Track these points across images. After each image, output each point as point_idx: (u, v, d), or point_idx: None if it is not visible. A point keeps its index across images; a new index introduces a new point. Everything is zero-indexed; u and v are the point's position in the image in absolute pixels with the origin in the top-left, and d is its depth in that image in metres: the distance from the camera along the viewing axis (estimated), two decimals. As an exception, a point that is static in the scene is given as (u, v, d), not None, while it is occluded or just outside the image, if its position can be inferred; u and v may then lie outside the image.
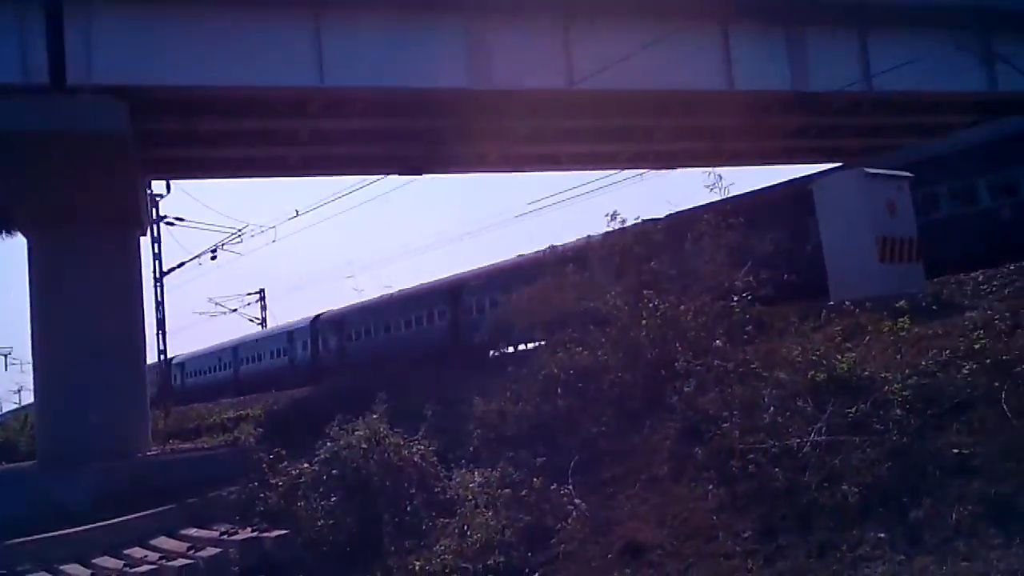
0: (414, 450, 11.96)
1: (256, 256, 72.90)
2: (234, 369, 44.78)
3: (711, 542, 8.25)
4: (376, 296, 35.83)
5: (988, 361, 8.15)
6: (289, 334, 40.36)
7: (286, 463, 13.80)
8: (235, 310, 55.15)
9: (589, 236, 15.46)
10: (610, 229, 14.89)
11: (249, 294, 55.91)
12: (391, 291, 34.36)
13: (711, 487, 8.92)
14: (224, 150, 26.14)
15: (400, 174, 29.78)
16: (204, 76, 19.86)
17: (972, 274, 12.81)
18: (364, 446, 11.97)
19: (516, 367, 13.01)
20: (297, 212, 58.03)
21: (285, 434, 16.61)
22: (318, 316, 38.28)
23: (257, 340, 45.19)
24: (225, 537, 13.36)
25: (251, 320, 55.69)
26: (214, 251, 37.57)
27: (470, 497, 10.64)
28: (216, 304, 54.67)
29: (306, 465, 12.88)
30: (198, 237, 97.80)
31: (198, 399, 38.84)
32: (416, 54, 21.32)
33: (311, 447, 13.14)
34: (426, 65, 21.51)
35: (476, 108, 23.45)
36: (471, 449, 12.07)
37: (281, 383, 34.51)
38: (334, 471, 12.09)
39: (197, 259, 37.85)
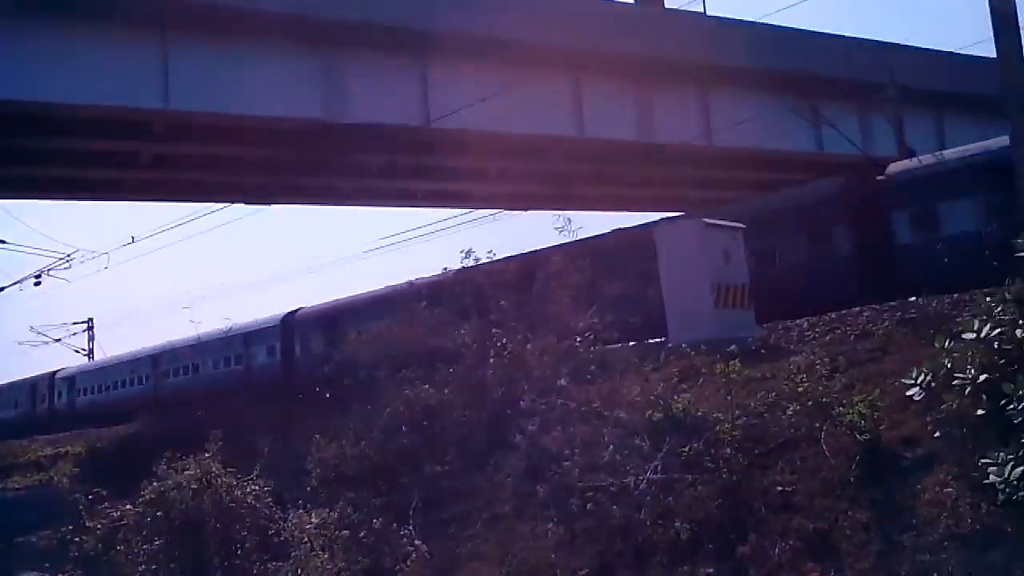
0: (248, 490, 11.43)
1: (85, 284, 68.40)
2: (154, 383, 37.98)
3: (549, 580, 8.27)
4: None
5: (810, 403, 8.62)
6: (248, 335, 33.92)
7: (106, 504, 12.86)
8: (59, 340, 51.49)
9: (444, 270, 15.45)
10: (462, 267, 14.92)
11: (75, 323, 52.28)
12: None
13: (551, 525, 8.98)
14: (55, 169, 24.64)
15: (247, 203, 28.97)
16: (32, 91, 18.70)
17: (797, 321, 13.59)
18: (194, 486, 11.33)
19: (360, 404, 12.73)
20: (133, 239, 55.07)
21: (108, 473, 15.55)
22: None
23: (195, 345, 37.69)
24: (34, 586, 12.30)
25: (77, 351, 52.11)
26: (38, 277, 35.08)
27: (306, 539, 10.25)
28: (39, 333, 50.92)
29: (129, 507, 12.04)
30: (22, 261, 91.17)
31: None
32: (268, 83, 20.87)
33: (136, 487, 12.32)
34: (280, 94, 21.10)
35: (330, 140, 23.18)
36: (308, 489, 11.66)
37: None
38: (159, 512, 11.37)
39: (18, 284, 35.30)
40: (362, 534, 9.99)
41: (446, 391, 12.09)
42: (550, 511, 9.20)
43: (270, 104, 21.16)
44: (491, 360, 11.86)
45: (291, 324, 29.25)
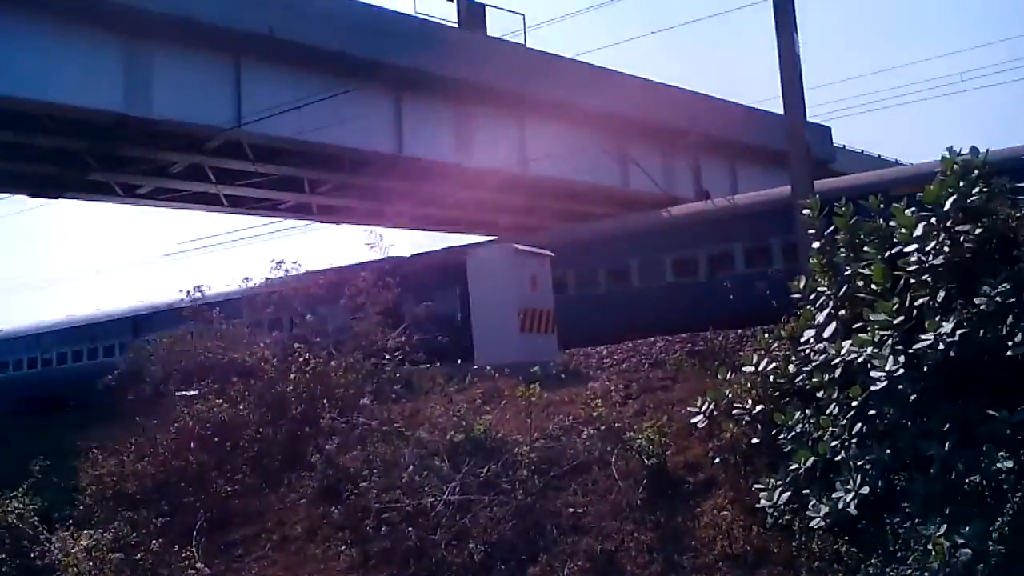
0: (10, 508, 10.36)
1: None
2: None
3: (339, 604, 8.06)
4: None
5: (603, 427, 8.95)
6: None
7: None
8: None
9: (246, 280, 14.84)
10: (267, 279, 14.41)
11: None
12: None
13: (344, 547, 8.76)
14: None
15: (31, 196, 26.69)
16: None
17: (598, 348, 14.15)
18: (-56, 504, 10.16)
19: (145, 418, 11.93)
20: None
21: None
22: None
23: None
24: None
25: None
26: None
27: (72, 563, 9.42)
28: None
29: None
30: None
31: None
32: (66, 68, 19.37)
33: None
34: (75, 81, 19.62)
35: (130, 135, 21.80)
36: (82, 508, 10.76)
37: None
38: (-100, 534, 10.09)
39: None
40: (138, 556, 9.31)
41: (241, 407, 11.57)
42: (344, 533, 8.98)
43: (61, 90, 19.61)
44: (292, 376, 11.48)
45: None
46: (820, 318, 7.53)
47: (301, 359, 11.58)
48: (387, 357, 12.47)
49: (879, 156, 38.43)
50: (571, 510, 8.03)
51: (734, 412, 7.75)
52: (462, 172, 26.21)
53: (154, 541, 9.43)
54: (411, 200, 29.11)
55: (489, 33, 26.50)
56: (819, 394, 6.93)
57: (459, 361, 14.16)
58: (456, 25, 25.89)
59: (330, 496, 9.59)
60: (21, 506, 10.47)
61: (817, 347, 7.30)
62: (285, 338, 12.75)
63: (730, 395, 7.91)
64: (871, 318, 6.67)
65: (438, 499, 8.69)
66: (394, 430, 10.25)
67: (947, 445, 5.77)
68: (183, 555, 9.32)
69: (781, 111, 15.49)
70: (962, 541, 5.33)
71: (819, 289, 7.74)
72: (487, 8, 26.43)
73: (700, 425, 8.09)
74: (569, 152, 25.92)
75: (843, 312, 7.37)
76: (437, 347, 13.61)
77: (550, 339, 14.04)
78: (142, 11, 19.52)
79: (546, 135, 26.67)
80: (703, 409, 8.05)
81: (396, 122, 24.53)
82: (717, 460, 7.72)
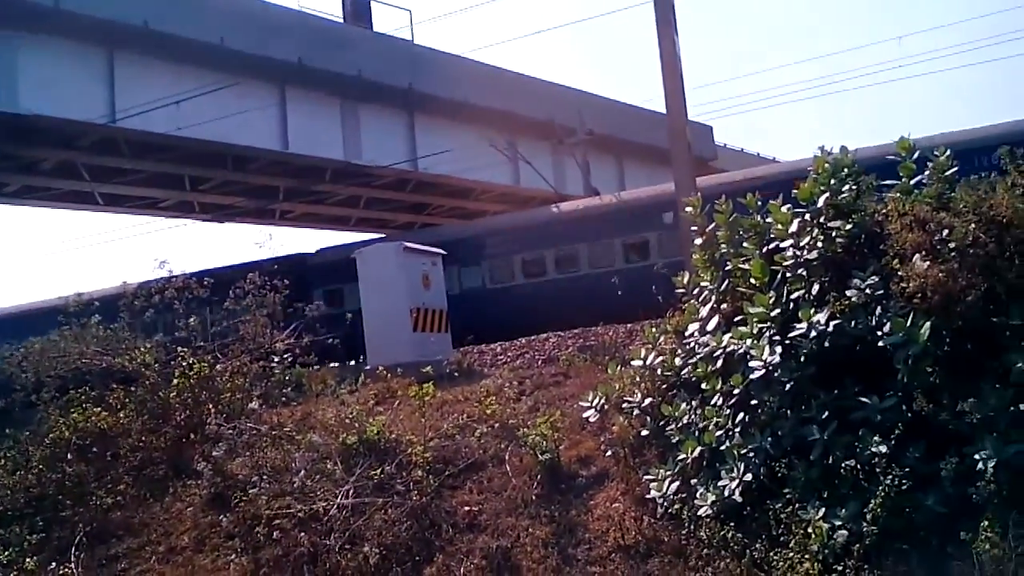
0: None
1: None
2: None
3: (230, 615, 7.84)
4: None
5: (497, 425, 9.01)
6: None
7: None
8: None
9: (124, 283, 14.14)
10: (147, 280, 13.83)
11: None
12: None
13: (234, 556, 8.52)
14: None
15: None
16: None
17: (492, 345, 14.21)
18: None
19: (16, 429, 11.30)
20: None
21: None
22: None
23: None
24: None
25: None
26: None
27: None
28: None
29: None
30: None
31: None
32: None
33: None
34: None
35: (-7, 130, 20.57)
36: (-53, 527, 10.10)
37: None
38: None
39: None
40: (12, 575, 8.82)
41: (122, 415, 11.09)
42: (234, 541, 8.74)
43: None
44: (175, 381, 11.07)
45: None
46: (703, 312, 7.78)
47: (185, 364, 11.17)
48: (276, 359, 12.17)
49: (758, 154, 40.02)
50: (466, 508, 8.05)
51: (624, 405, 7.93)
52: (351, 169, 25.86)
53: (28, 559, 8.95)
54: (299, 198, 28.55)
55: (376, 28, 26.25)
56: (704, 385, 7.15)
57: (351, 362, 13.98)
58: (341, 19, 25.53)
59: (218, 504, 9.32)
60: None
61: (701, 340, 7.53)
62: (168, 341, 12.27)
63: (620, 389, 8.10)
64: (750, 311, 6.93)
65: (331, 503, 8.55)
66: (284, 434, 10.04)
67: (825, 432, 6.06)
68: (61, 572, 8.89)
69: (664, 110, 15.91)
70: (839, 523, 5.62)
71: (702, 284, 8.00)
72: (372, 3, 26.18)
73: (592, 419, 8.24)
74: (460, 149, 25.93)
75: (725, 306, 7.64)
76: (329, 348, 13.37)
77: (444, 338, 14.02)
78: (4, -1, 18.48)
79: (437, 132, 26.63)
80: (594, 403, 8.21)
81: (281, 118, 23.99)
82: (608, 453, 7.89)
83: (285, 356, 12.37)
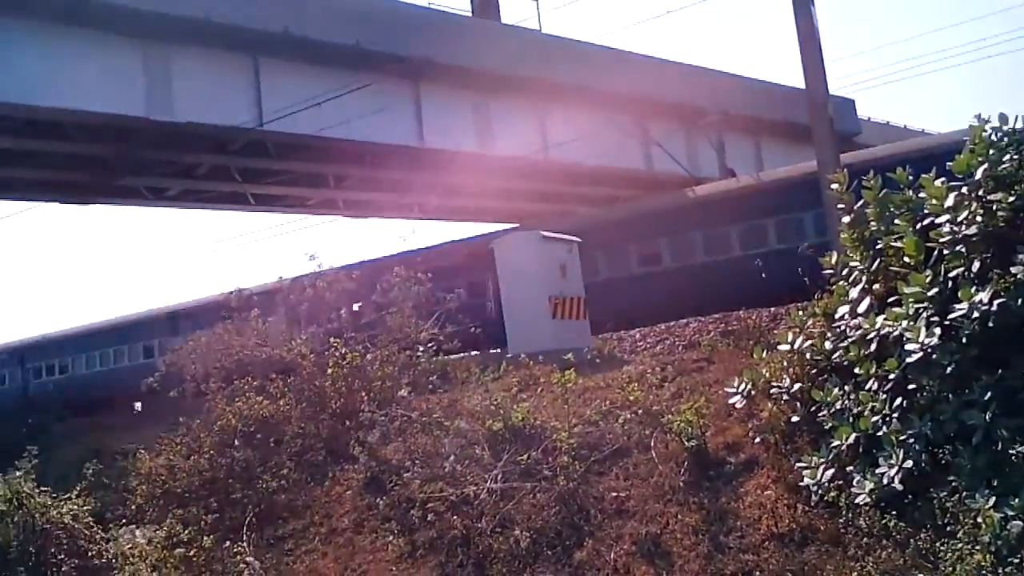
0: (65, 510, 10.64)
1: None
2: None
3: (390, 594, 8.22)
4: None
5: (641, 411, 9.01)
6: None
7: None
8: None
9: (280, 278, 14.98)
10: (302, 274, 14.59)
11: None
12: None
13: (391, 538, 8.92)
14: None
15: (62, 202, 27.10)
16: None
17: (631, 332, 14.19)
18: (2, 507, 10.43)
19: (189, 417, 12.16)
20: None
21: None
22: None
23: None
24: None
25: None
26: None
27: (130, 560, 9.67)
28: None
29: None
30: None
31: None
32: (85, 74, 19.63)
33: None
34: (98, 88, 19.90)
35: (153, 139, 22.08)
36: (134, 507, 11.02)
37: None
38: (-38, 537, 10.39)
39: None
40: (191, 552, 9.54)
41: (282, 403, 11.76)
42: (390, 523, 9.14)
43: (87, 98, 19.93)
44: (329, 371, 11.64)
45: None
46: (854, 293, 7.52)
47: (338, 354, 11.74)
48: (421, 349, 12.58)
49: (905, 127, 38.06)
50: (614, 494, 8.11)
51: (772, 391, 7.78)
52: (484, 161, 26.28)
53: (205, 537, 9.66)
54: (435, 191, 29.24)
55: (504, 20, 26.51)
56: (857, 370, 6.93)
57: (493, 350, 14.28)
58: (470, 13, 25.91)
59: (374, 488, 9.76)
60: (76, 507, 10.77)
61: (852, 323, 7.29)
62: (321, 333, 12.90)
63: (767, 374, 7.94)
64: (905, 291, 6.66)
65: (480, 487, 8.82)
66: (433, 421, 10.38)
67: (988, 415, 5.79)
68: (235, 550, 9.54)
69: (803, 85, 15.38)
70: (1012, 513, 5.36)
71: (851, 264, 7.74)
72: (500, -5, 26.47)
73: (738, 406, 8.12)
74: (591, 136, 25.90)
75: (877, 286, 7.37)
76: (471, 337, 13.72)
77: (583, 325, 14.11)
78: (158, 14, 19.73)
79: (567, 120, 26.67)
80: (740, 389, 8.08)
81: (416, 114, 24.64)
82: (757, 440, 7.77)
83: (429, 345, 12.78)
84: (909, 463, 6.13)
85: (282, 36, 21.17)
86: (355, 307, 13.29)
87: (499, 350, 13.64)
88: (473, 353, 13.75)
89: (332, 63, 22.28)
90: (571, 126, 26.30)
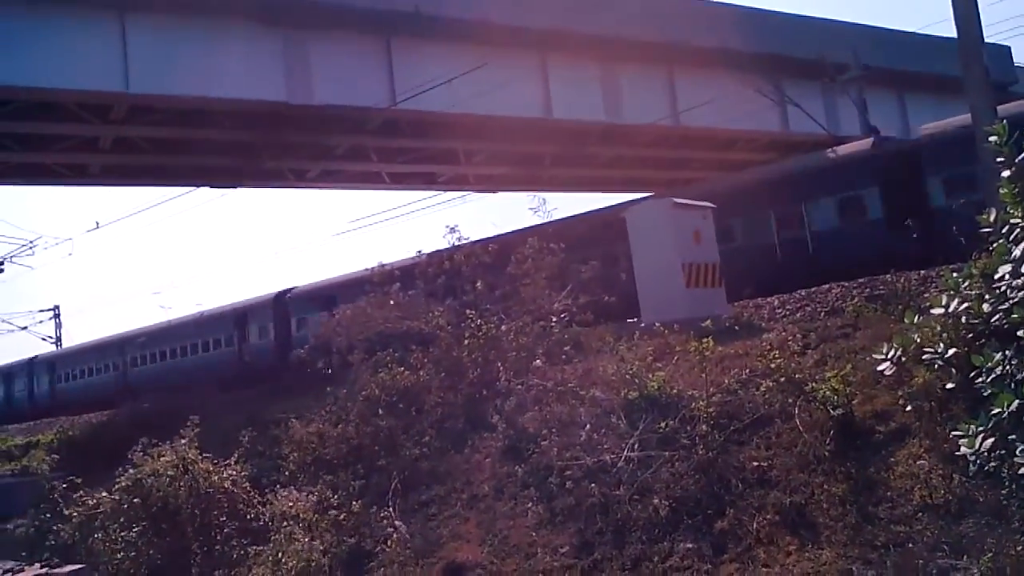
0: (225, 475, 11.38)
1: (50, 270, 67.36)
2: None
3: (531, 559, 8.38)
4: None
5: (783, 379, 8.76)
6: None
7: (82, 492, 12.73)
8: (25, 328, 50.91)
9: (418, 253, 15.42)
10: (437, 250, 14.94)
11: (41, 311, 51.70)
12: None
13: (530, 504, 9.07)
14: (13, 155, 24.15)
15: (212, 187, 28.65)
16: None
17: (769, 298, 13.79)
18: (171, 473, 11.26)
19: (335, 387, 12.71)
20: (98, 224, 54.55)
21: (82, 462, 15.35)
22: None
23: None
24: (10, 575, 12.15)
25: (44, 339, 51.46)
26: (1, 264, 34.63)
27: (285, 523, 10.26)
28: (3, 321, 50.26)
29: (105, 494, 11.93)
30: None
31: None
32: (231, 64, 20.62)
33: (111, 475, 12.21)
34: (242, 76, 20.86)
35: (294, 123, 22.98)
36: (287, 473, 11.65)
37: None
38: (136, 500, 11.29)
39: (-19, 271, 34.80)
40: (342, 516, 10.02)
41: (422, 373, 12.12)
42: (529, 490, 9.30)
43: (232, 86, 20.93)
44: (466, 342, 11.90)
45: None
46: (1017, 252, 7.03)
47: (474, 325, 11.97)
48: (555, 320, 12.66)
49: (1068, 72, 35.07)
50: (755, 464, 7.96)
51: (924, 357, 7.39)
52: (613, 130, 26.00)
53: (354, 502, 10.12)
54: (565, 163, 29.18)
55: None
56: (1020, 333, 6.50)
57: (626, 320, 14.19)
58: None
59: (513, 455, 9.94)
60: (234, 473, 11.49)
61: (1015, 283, 6.82)
62: (458, 305, 13.19)
63: (919, 339, 7.56)
64: (1076, 248, 6.19)
65: (618, 456, 8.84)
66: (568, 390, 10.46)
67: None
68: (381, 515, 9.95)
69: (951, 34, 14.42)
70: None
71: (1012, 221, 7.23)
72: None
73: (887, 372, 7.75)
74: (722, 99, 25.18)
75: (1042, 244, 6.88)
76: (603, 307, 13.67)
77: (718, 292, 13.81)
78: (296, 2, 20.46)
79: (698, 83, 26.03)
80: (889, 355, 7.69)
81: (543, 85, 24.61)
82: (909, 408, 7.42)
83: (562, 316, 12.83)
84: (1080, 432, 5.72)
85: (413, 15, 21.53)
86: (490, 279, 13.47)
87: (634, 320, 13.55)
88: (606, 323, 13.71)
89: (461, 39, 22.51)
90: (702, 90, 25.64)
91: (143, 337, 35.43)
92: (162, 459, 11.43)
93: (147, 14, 19.79)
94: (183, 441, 11.67)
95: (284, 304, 29.23)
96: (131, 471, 11.50)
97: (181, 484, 11.14)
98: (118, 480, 11.62)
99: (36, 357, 44.22)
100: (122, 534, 11.20)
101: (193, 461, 11.40)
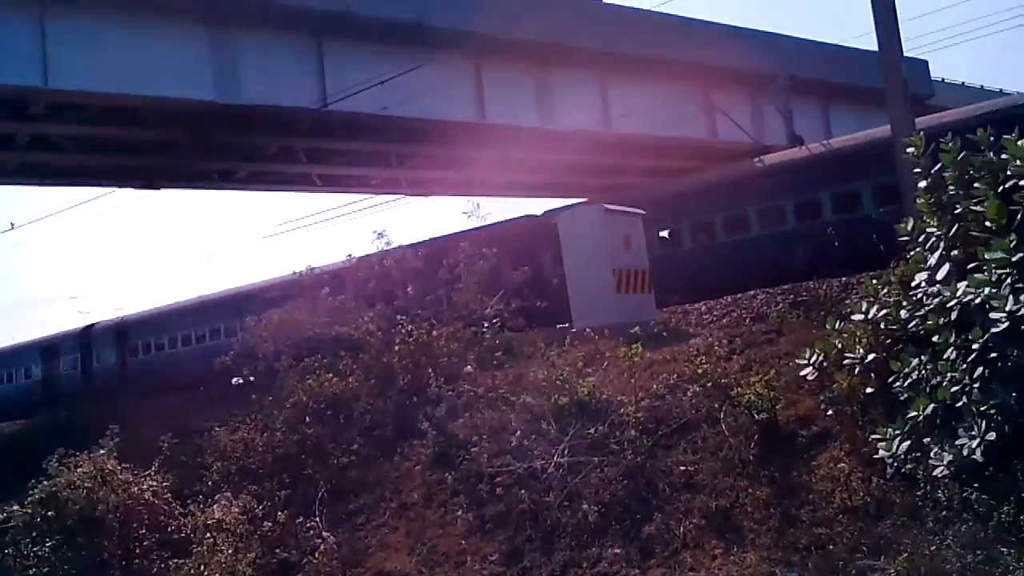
0: (145, 486, 11.02)
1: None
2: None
3: (460, 567, 8.33)
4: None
5: (709, 384, 8.85)
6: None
7: (-9, 506, 12.17)
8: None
9: (348, 257, 15.21)
10: (367, 254, 14.76)
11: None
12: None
13: (460, 512, 9.01)
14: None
15: (135, 188, 27.86)
16: None
17: (696, 304, 13.99)
18: (88, 484, 10.85)
19: (261, 395, 12.44)
20: (12, 225, 52.52)
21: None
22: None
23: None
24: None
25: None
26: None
27: (208, 535, 9.98)
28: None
29: (16, 507, 11.43)
30: None
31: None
32: (157, 61, 20.07)
33: (23, 487, 11.70)
34: (168, 74, 20.32)
35: (223, 123, 22.48)
36: (210, 483, 11.34)
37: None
38: (51, 513, 10.85)
39: None
40: (267, 527, 9.80)
41: (351, 380, 11.95)
42: (459, 498, 9.24)
43: (158, 84, 20.35)
44: (397, 348, 11.77)
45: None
46: (932, 260, 7.24)
47: (404, 331, 11.85)
48: (486, 325, 12.63)
49: (982, 87, 36.53)
50: (682, 468, 8.04)
51: (845, 362, 7.57)
52: (546, 135, 26.10)
53: (280, 512, 9.90)
54: (498, 167, 29.18)
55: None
56: (935, 339, 6.68)
57: (557, 325, 14.23)
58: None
59: (443, 463, 9.86)
60: (155, 483, 11.13)
61: (930, 290, 7.03)
62: (389, 311, 13.06)
63: (840, 345, 7.73)
64: (987, 257, 6.39)
65: (548, 462, 8.84)
66: (499, 396, 10.43)
67: (1078, 386, 5.53)
68: (308, 525, 9.76)
69: (873, 48, 14.85)
70: (1101, 485, 5.13)
71: (928, 230, 7.45)
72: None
73: (810, 377, 7.93)
74: (653, 106, 25.51)
75: (956, 252, 7.08)
76: (536, 312, 13.70)
77: (647, 298, 13.95)
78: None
79: (629, 91, 26.31)
80: (812, 361, 7.88)
81: (477, 90, 24.57)
82: (830, 412, 7.58)
83: (494, 321, 12.81)
84: (991, 434, 5.90)
85: (345, 15, 21.27)
86: (421, 284, 13.37)
87: (564, 325, 13.59)
88: (538, 329, 13.73)
89: (394, 41, 22.31)
90: (634, 97, 25.94)
91: None
92: (79, 470, 11.01)
93: (68, 7, 19.13)
94: (101, 451, 11.27)
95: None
96: (45, 483, 11.05)
97: (99, 496, 10.74)
98: (31, 492, 11.15)
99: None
100: (34, 549, 10.75)
101: (112, 472, 11.01)
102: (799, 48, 28.60)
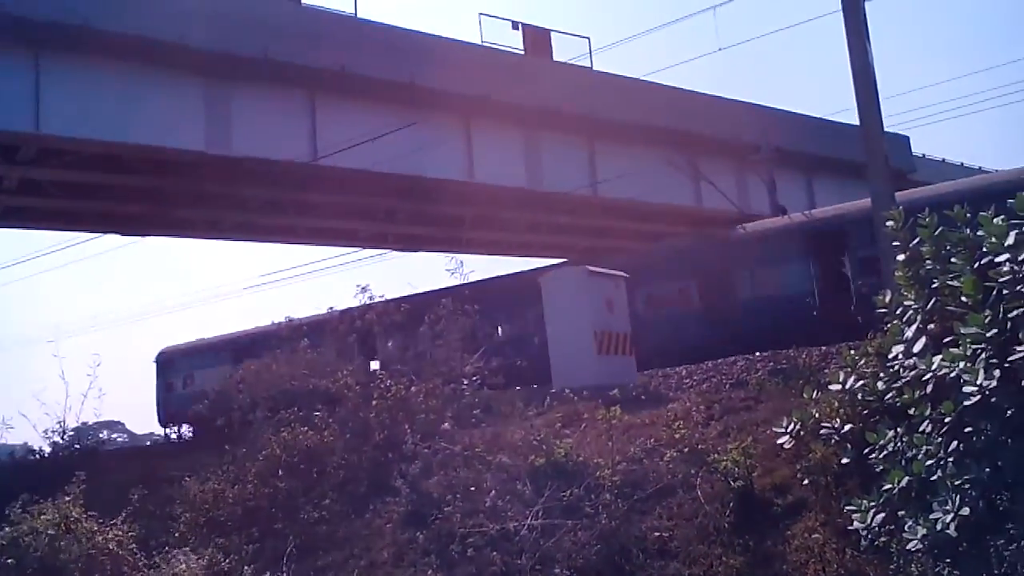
0: (111, 535, 10.75)
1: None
2: None
3: (428, 629, 8.12)
4: None
5: (686, 450, 8.81)
6: None
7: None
8: None
9: (331, 309, 15.18)
10: (349, 307, 14.72)
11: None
12: None
13: (430, 572, 8.82)
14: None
15: (121, 234, 27.85)
16: None
17: (677, 368, 13.99)
18: (51, 532, 10.58)
19: (234, 445, 12.26)
20: (-9, 268, 52.28)
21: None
22: None
23: None
24: None
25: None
26: None
27: (170, 589, 9.72)
28: None
29: (-25, 555, 11.10)
30: None
31: None
32: (149, 110, 20.24)
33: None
34: (161, 123, 20.49)
35: (212, 173, 22.60)
36: (177, 535, 11.09)
37: None
38: (11, 560, 10.55)
39: None
40: (232, 582, 9.57)
41: (326, 434, 11.80)
42: (430, 557, 9.04)
43: (149, 132, 20.50)
44: (374, 402, 11.67)
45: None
46: (908, 333, 7.29)
47: (383, 386, 11.76)
48: (466, 382, 12.56)
49: (962, 164, 37.30)
50: (657, 534, 7.94)
51: (822, 432, 7.55)
52: (533, 196, 26.35)
53: (246, 567, 9.68)
54: (485, 226, 29.38)
55: (555, 58, 26.72)
56: (911, 411, 6.69)
57: (537, 385, 14.18)
58: (522, 51, 26.18)
59: (415, 521, 9.68)
60: (120, 533, 10.86)
61: (907, 363, 7.06)
62: (367, 365, 12.98)
63: (817, 414, 7.72)
64: (962, 331, 6.44)
65: (521, 523, 8.69)
66: (476, 455, 10.30)
67: (1051, 463, 5.53)
68: (274, 581, 9.53)
69: (856, 122, 15.18)
70: (1074, 564, 5.10)
71: (906, 303, 7.52)
72: (552, 33, 26.69)
73: (787, 446, 7.89)
74: (640, 172, 25.86)
75: (932, 326, 7.14)
76: (516, 371, 13.66)
77: (628, 361, 13.97)
78: (221, 54, 20.29)
79: (616, 156, 26.70)
80: (789, 429, 7.85)
81: (467, 149, 24.87)
82: (806, 482, 7.54)
83: (474, 379, 12.75)
84: (965, 509, 5.86)
85: (339, 73, 21.59)
86: (402, 339, 13.33)
87: (543, 385, 13.54)
88: (517, 388, 13.67)
89: (386, 99, 22.65)
90: (621, 162, 26.31)
91: None
92: (42, 517, 10.74)
93: (63, 55, 19.33)
94: (67, 498, 11.02)
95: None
96: (7, 530, 10.77)
97: (61, 545, 10.46)
98: (-8, 539, 10.85)
99: None
100: (-9, 599, 10.44)
101: (77, 519, 10.75)
102: (783, 120, 29.20)
